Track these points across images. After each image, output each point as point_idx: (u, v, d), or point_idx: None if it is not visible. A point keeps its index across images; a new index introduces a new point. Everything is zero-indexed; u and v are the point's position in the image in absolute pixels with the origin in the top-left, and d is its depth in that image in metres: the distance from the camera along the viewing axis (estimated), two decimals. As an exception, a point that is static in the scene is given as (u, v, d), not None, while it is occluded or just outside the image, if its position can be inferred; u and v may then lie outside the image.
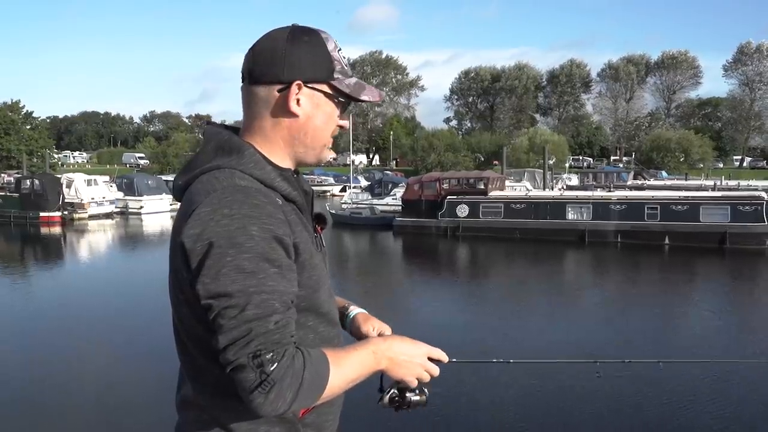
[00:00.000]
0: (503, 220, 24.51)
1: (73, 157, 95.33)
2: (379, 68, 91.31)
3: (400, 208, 28.13)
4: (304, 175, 1.62)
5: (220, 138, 1.46)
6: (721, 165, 71.00)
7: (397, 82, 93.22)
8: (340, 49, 1.48)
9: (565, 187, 35.13)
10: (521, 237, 23.71)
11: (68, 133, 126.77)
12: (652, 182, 41.70)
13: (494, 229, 24.31)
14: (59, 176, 35.29)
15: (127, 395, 8.01)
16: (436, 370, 1.52)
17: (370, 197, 33.27)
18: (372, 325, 1.75)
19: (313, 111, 1.46)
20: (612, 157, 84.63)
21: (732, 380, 8.53)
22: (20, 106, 66.13)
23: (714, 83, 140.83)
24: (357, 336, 1.73)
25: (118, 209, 34.62)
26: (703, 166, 62.24)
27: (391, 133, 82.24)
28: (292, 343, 1.28)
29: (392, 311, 12.81)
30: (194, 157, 1.47)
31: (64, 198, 31.53)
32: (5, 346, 10.51)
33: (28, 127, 66.14)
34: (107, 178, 40.29)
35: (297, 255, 1.36)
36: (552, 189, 33.54)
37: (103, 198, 33.95)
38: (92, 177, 36.34)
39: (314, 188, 1.64)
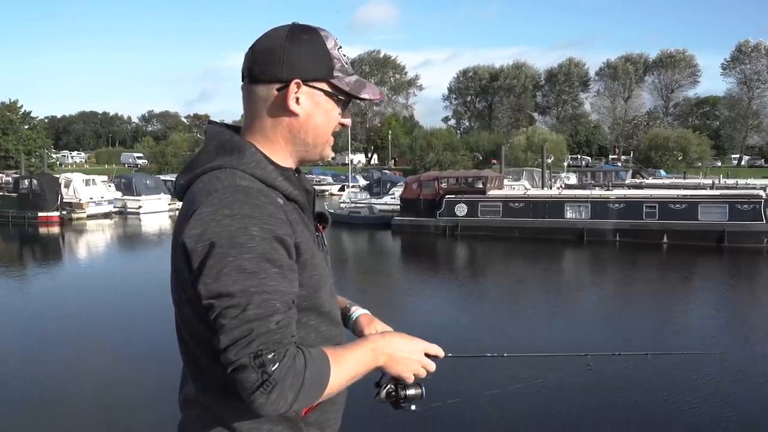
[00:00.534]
0: (502, 219, 24.52)
1: (72, 157, 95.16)
2: (377, 67, 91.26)
3: (398, 207, 28.16)
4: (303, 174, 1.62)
5: (221, 137, 1.46)
6: (719, 164, 71.04)
7: (395, 82, 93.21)
8: (340, 47, 1.48)
9: (563, 186, 35.12)
10: (520, 236, 23.72)
11: (66, 132, 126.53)
12: (651, 181, 41.69)
13: (493, 228, 24.32)
14: (57, 176, 35.21)
15: (127, 395, 8.01)
16: (432, 366, 1.54)
17: (368, 196, 33.28)
18: (375, 328, 1.75)
19: (313, 109, 1.45)
20: (610, 156, 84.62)
21: (718, 372, 8.55)
22: (18, 105, 66.06)
23: (712, 82, 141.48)
24: (359, 337, 1.74)
25: (117, 209, 34.59)
26: (702, 165, 62.24)
27: (390, 132, 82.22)
28: (293, 343, 1.28)
29: (391, 310, 12.82)
30: (195, 157, 1.47)
31: (62, 198, 31.49)
32: (5, 346, 10.51)
33: (27, 127, 66.11)
34: (105, 177, 40.26)
35: (298, 255, 1.36)
36: (550, 188, 33.53)
37: (102, 198, 33.92)
38: (90, 177, 36.30)
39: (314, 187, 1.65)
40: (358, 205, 31.98)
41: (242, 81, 1.49)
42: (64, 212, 31.28)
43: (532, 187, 34.30)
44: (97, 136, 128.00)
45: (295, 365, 1.26)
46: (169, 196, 34.79)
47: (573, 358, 2.14)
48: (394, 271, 19.81)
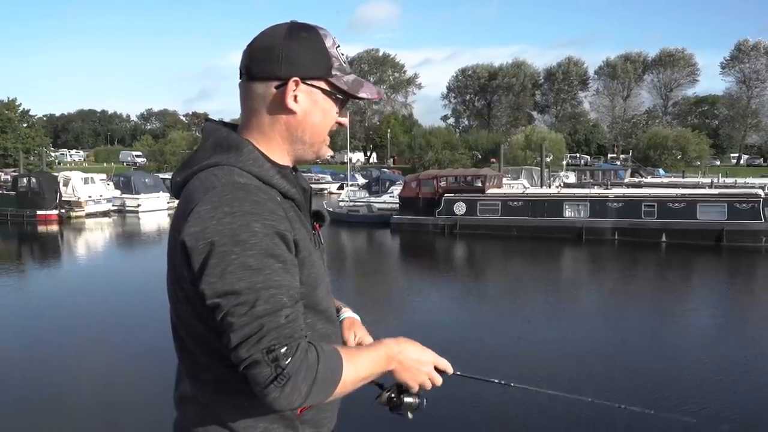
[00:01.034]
0: (500, 218, 24.53)
1: (70, 156, 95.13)
2: (376, 66, 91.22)
3: (397, 205, 28.16)
4: (302, 173, 1.62)
5: (218, 135, 1.46)
6: (718, 163, 71.14)
7: (394, 80, 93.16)
8: (338, 46, 1.48)
9: (562, 184, 35.17)
10: (518, 235, 23.73)
11: (65, 131, 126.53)
12: (650, 180, 41.73)
13: (491, 227, 24.33)
14: (56, 174, 35.17)
15: (126, 393, 8.01)
16: (439, 381, 1.53)
17: (367, 195, 33.29)
18: (354, 333, 1.75)
19: (311, 108, 1.45)
20: (609, 155, 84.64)
21: (717, 370, 8.56)
22: (17, 104, 65.97)
23: (711, 81, 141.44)
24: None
25: (116, 207, 34.57)
26: (700, 164, 62.29)
27: (389, 130, 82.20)
28: (303, 337, 1.28)
29: (390, 309, 12.83)
30: (192, 154, 1.47)
31: (61, 196, 31.45)
32: (3, 345, 10.50)
33: (25, 125, 65.94)
34: (104, 176, 40.21)
35: (297, 252, 1.36)
36: (549, 187, 33.57)
37: (101, 196, 33.89)
38: (89, 175, 36.27)
39: (312, 186, 1.64)
40: (356, 203, 31.98)
41: (240, 78, 1.48)
42: (63, 211, 31.25)
43: (531, 185, 34.31)
44: (95, 134, 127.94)
45: (308, 359, 1.26)
46: (168, 195, 34.73)
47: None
48: (392, 269, 19.81)
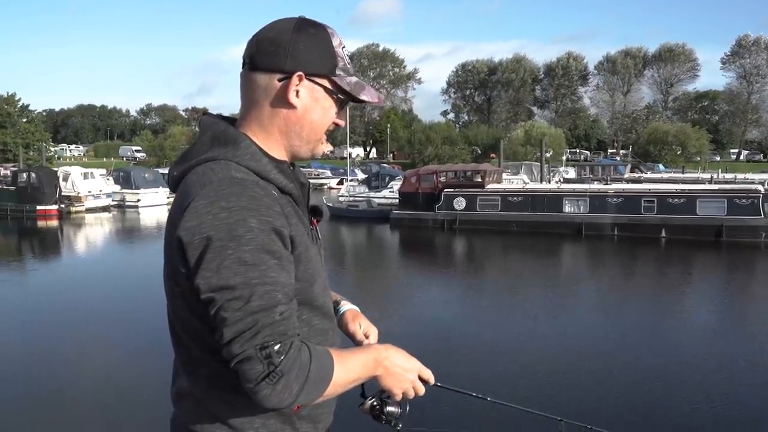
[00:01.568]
0: (500, 213, 24.52)
1: (70, 151, 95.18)
2: (376, 61, 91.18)
3: (397, 200, 28.13)
4: (301, 168, 1.61)
5: (216, 128, 1.45)
6: (718, 158, 71.08)
7: (394, 75, 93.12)
8: (344, 47, 1.48)
9: (562, 180, 35.15)
10: (518, 230, 23.72)
11: (65, 126, 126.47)
12: (649, 175, 41.74)
13: (491, 222, 24.33)
14: (56, 169, 35.18)
15: (126, 388, 8.01)
16: (422, 390, 1.53)
17: (367, 190, 33.26)
18: (359, 323, 1.76)
19: (312, 104, 1.45)
20: (609, 150, 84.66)
21: (716, 367, 8.57)
22: (16, 99, 65.90)
23: (712, 76, 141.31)
24: (343, 332, 1.75)
25: (115, 202, 34.58)
26: (700, 159, 62.30)
27: (389, 125, 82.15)
28: (297, 335, 1.28)
29: (389, 304, 12.83)
30: (190, 148, 1.46)
31: (60, 191, 31.45)
32: (3, 340, 10.50)
33: (25, 120, 65.89)
34: (104, 171, 40.20)
35: (293, 248, 1.35)
36: (549, 182, 33.53)
37: (100, 191, 33.90)
38: (89, 170, 36.30)
39: (311, 181, 1.64)
40: (356, 198, 31.97)
41: (242, 68, 1.47)
42: (63, 206, 31.23)
43: (531, 181, 34.31)
44: (95, 129, 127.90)
45: (301, 357, 1.25)
46: (168, 190, 34.72)
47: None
48: (392, 264, 19.82)
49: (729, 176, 37.65)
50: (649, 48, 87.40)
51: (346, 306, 1.81)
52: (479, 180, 26.31)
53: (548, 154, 43.62)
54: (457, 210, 25.24)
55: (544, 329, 11.01)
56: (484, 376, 8.22)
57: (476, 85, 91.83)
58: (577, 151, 78.55)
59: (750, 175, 38.29)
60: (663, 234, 21.91)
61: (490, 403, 1.97)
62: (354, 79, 1.49)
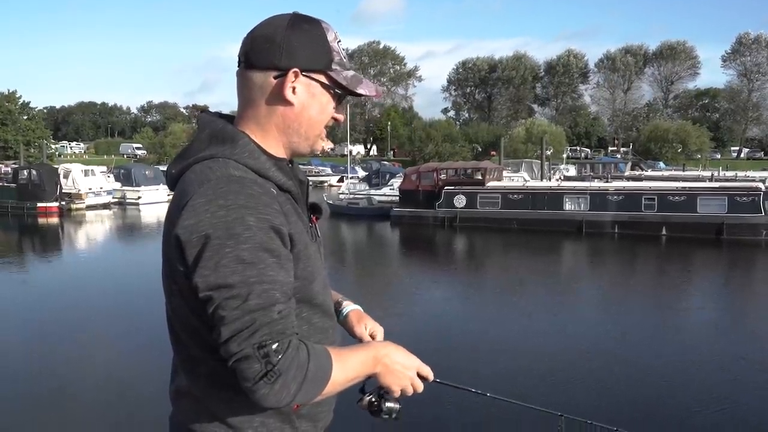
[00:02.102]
0: (500, 211, 24.52)
1: (71, 148, 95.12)
2: (376, 58, 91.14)
3: (397, 198, 28.12)
4: (301, 165, 1.61)
5: (214, 126, 1.44)
6: (718, 156, 71.10)
7: (394, 73, 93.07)
8: (339, 41, 1.46)
9: (562, 177, 35.12)
10: (518, 227, 23.72)
11: (65, 123, 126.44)
12: (650, 173, 41.72)
13: (491, 220, 24.32)
14: (56, 167, 35.16)
15: (127, 386, 8.01)
16: (421, 387, 1.53)
17: (367, 187, 33.24)
18: (365, 324, 1.74)
19: (309, 100, 1.44)
20: (610, 148, 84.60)
21: (717, 366, 8.58)
22: (17, 96, 65.91)
23: (712, 74, 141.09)
24: (350, 334, 1.74)
25: (116, 200, 34.59)
26: (701, 157, 62.33)
27: (389, 123, 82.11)
28: (295, 334, 1.27)
29: (389, 301, 12.83)
30: (188, 146, 1.45)
31: (61, 188, 31.45)
32: (4, 337, 10.50)
33: (26, 117, 65.99)
34: (105, 168, 40.20)
35: (292, 246, 1.35)
36: (549, 180, 33.53)
37: (101, 188, 33.90)
38: (90, 167, 36.25)
39: (312, 179, 1.63)
40: (356, 196, 31.95)
41: (238, 66, 1.47)
42: (63, 203, 31.25)
43: (531, 178, 34.27)
44: (96, 126, 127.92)
45: (299, 356, 1.25)
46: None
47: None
48: (392, 262, 19.81)
49: (729, 174, 37.62)
50: (650, 45, 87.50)
51: (349, 306, 1.79)
52: (479, 178, 26.29)
53: (549, 152, 43.59)
54: (457, 207, 25.23)
55: (544, 327, 11.01)
56: (484, 373, 8.22)
57: (477, 82, 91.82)
58: (578, 148, 78.53)
59: (751, 173, 38.26)
60: (663, 232, 21.91)
61: (490, 399, 1.96)
62: (351, 73, 1.47)
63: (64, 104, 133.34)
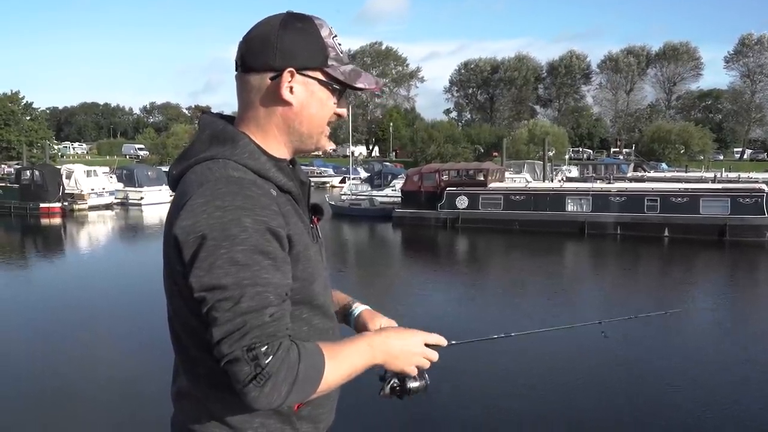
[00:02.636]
0: (503, 212, 24.50)
1: (73, 148, 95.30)
2: (378, 59, 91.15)
3: (399, 199, 28.10)
4: (303, 166, 1.61)
5: (214, 127, 1.45)
6: (721, 157, 70.96)
7: (397, 74, 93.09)
8: (335, 36, 1.45)
9: (564, 178, 35.09)
10: (521, 229, 23.70)
11: (68, 124, 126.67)
12: (652, 174, 41.66)
13: (493, 221, 24.31)
14: (59, 167, 35.24)
15: (129, 387, 8.02)
16: (435, 356, 1.52)
17: (369, 188, 33.25)
18: (379, 323, 1.72)
19: (308, 99, 1.43)
20: (612, 149, 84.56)
21: (719, 365, 8.57)
22: (20, 97, 66.04)
23: (715, 75, 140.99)
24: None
25: (118, 200, 34.64)
26: (704, 158, 62.24)
27: (391, 124, 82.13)
28: (287, 336, 1.27)
29: (391, 302, 12.83)
30: (189, 147, 1.46)
31: (64, 189, 31.52)
32: (6, 337, 10.52)
33: (28, 118, 66.10)
34: (107, 169, 40.25)
35: (291, 247, 1.35)
36: (552, 181, 33.52)
37: (103, 189, 33.96)
38: (92, 168, 36.34)
39: (314, 179, 1.63)
40: (358, 197, 31.95)
41: (236, 70, 1.47)
42: (66, 203, 31.30)
43: (534, 179, 34.26)
44: (98, 127, 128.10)
45: (289, 358, 1.24)
46: (171, 188, 34.78)
47: (586, 328, 2.16)
48: (394, 263, 19.81)
49: (732, 175, 37.55)
50: (653, 46, 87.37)
51: (359, 308, 1.78)
52: (482, 179, 26.26)
53: (551, 153, 43.54)
54: (459, 209, 25.22)
55: (546, 327, 10.98)
56: (485, 373, 8.21)
57: (479, 83, 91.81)
58: (580, 149, 78.50)
59: (753, 174, 38.19)
60: (666, 233, 21.88)
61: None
62: (349, 67, 1.46)
63: (66, 105, 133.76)
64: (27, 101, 66.98)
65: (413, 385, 1.53)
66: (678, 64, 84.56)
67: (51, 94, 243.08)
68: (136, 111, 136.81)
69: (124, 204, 34.62)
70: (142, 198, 34.67)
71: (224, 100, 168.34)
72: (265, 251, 1.27)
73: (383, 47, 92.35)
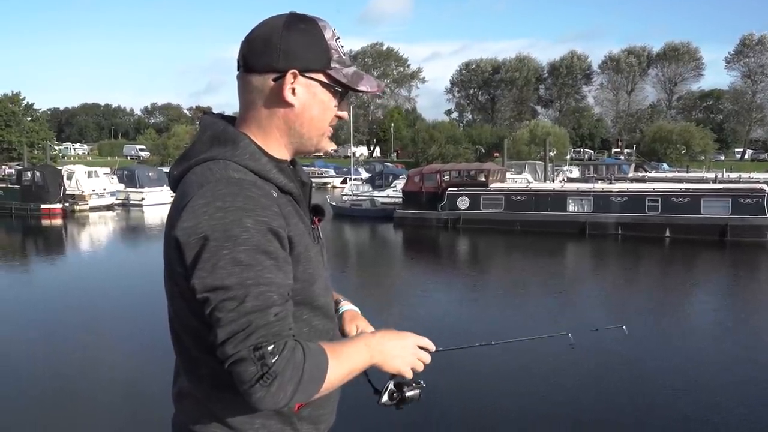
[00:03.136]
0: (504, 212, 24.49)
1: (74, 149, 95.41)
2: (380, 60, 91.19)
3: (400, 199, 28.09)
4: (305, 167, 1.61)
5: (215, 128, 1.44)
6: (722, 157, 70.96)
7: (398, 74, 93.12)
8: (338, 38, 1.45)
9: (566, 179, 35.11)
10: (522, 229, 23.69)
11: (69, 125, 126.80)
12: (653, 174, 41.67)
13: (495, 221, 24.29)
14: (60, 168, 35.26)
15: (131, 387, 8.02)
16: (427, 358, 1.53)
17: (370, 189, 33.27)
18: (356, 325, 1.74)
19: (310, 101, 1.43)
20: (613, 149, 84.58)
21: (718, 365, 8.56)
22: (21, 97, 66.09)
23: (716, 75, 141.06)
24: (340, 333, 1.73)
25: (119, 201, 34.65)
26: (705, 159, 62.20)
27: (392, 124, 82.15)
28: (291, 336, 1.27)
29: (392, 303, 12.84)
30: (189, 148, 1.46)
31: (65, 190, 31.54)
32: (8, 338, 10.52)
33: (29, 119, 66.13)
34: (108, 169, 40.29)
35: (292, 248, 1.35)
36: (553, 181, 33.52)
37: (104, 190, 33.98)
38: (93, 169, 36.35)
39: (315, 180, 1.63)
40: (360, 197, 31.97)
41: (237, 70, 1.46)
42: (67, 204, 31.31)
43: (535, 180, 34.27)
44: (99, 128, 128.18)
45: (295, 357, 1.24)
46: (172, 189, 34.80)
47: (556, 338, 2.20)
48: (395, 264, 19.80)
49: (733, 175, 37.57)
50: (654, 47, 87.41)
51: (345, 306, 1.79)
52: (483, 179, 26.25)
53: (552, 154, 43.55)
54: (460, 209, 25.21)
55: (547, 329, 10.98)
56: (485, 373, 8.21)
57: (480, 84, 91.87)
58: (581, 150, 78.51)
59: (755, 175, 38.17)
60: (667, 233, 21.86)
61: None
62: (351, 69, 1.46)
63: (67, 105, 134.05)
64: (28, 102, 67.06)
65: (411, 393, 1.55)
66: (679, 64, 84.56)
67: (52, 94, 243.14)
68: (137, 112, 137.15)
69: (125, 205, 34.63)
70: (143, 199, 34.68)
71: (225, 100, 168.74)
72: (267, 251, 1.26)
73: (384, 48, 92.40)
